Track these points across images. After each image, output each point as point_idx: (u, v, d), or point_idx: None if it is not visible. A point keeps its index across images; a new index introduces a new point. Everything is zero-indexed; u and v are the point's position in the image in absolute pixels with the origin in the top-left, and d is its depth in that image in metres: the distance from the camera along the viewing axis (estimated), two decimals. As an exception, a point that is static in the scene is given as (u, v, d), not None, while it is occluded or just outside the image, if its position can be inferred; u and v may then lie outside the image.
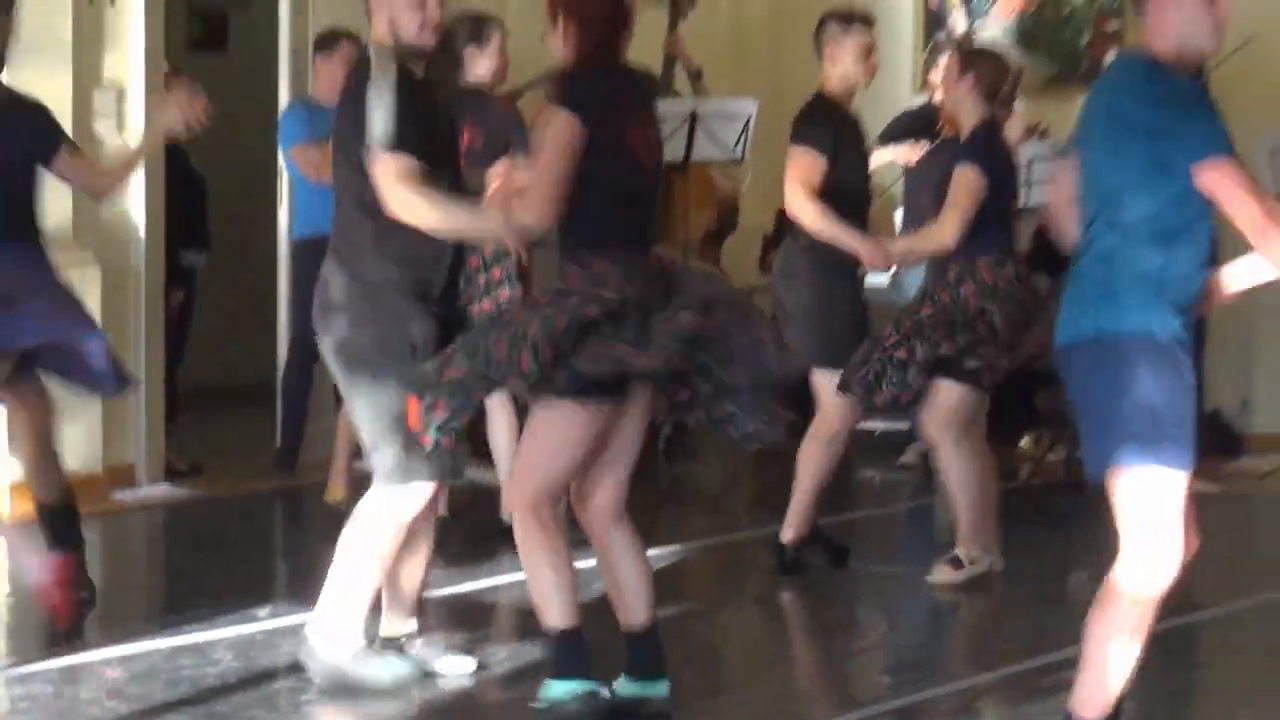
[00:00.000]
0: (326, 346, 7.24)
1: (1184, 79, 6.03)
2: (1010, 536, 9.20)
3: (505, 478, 10.01)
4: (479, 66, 9.84)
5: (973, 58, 9.25)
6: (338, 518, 10.18)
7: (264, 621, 8.33)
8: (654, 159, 6.91)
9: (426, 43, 7.17)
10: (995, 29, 13.56)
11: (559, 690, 6.72)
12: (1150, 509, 5.95)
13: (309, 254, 10.77)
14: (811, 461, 9.29)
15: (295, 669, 7.57)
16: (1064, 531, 10.43)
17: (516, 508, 6.83)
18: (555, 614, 6.77)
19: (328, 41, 11.11)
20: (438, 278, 7.19)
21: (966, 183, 8.96)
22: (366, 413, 7.23)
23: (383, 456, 7.21)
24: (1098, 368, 6.01)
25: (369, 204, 7.05)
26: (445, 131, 7.29)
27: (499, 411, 9.87)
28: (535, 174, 6.72)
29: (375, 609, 7.42)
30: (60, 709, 7.15)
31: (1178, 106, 5.93)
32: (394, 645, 7.47)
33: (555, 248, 6.76)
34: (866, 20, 9.56)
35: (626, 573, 6.86)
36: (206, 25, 15.09)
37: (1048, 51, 12.89)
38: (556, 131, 6.65)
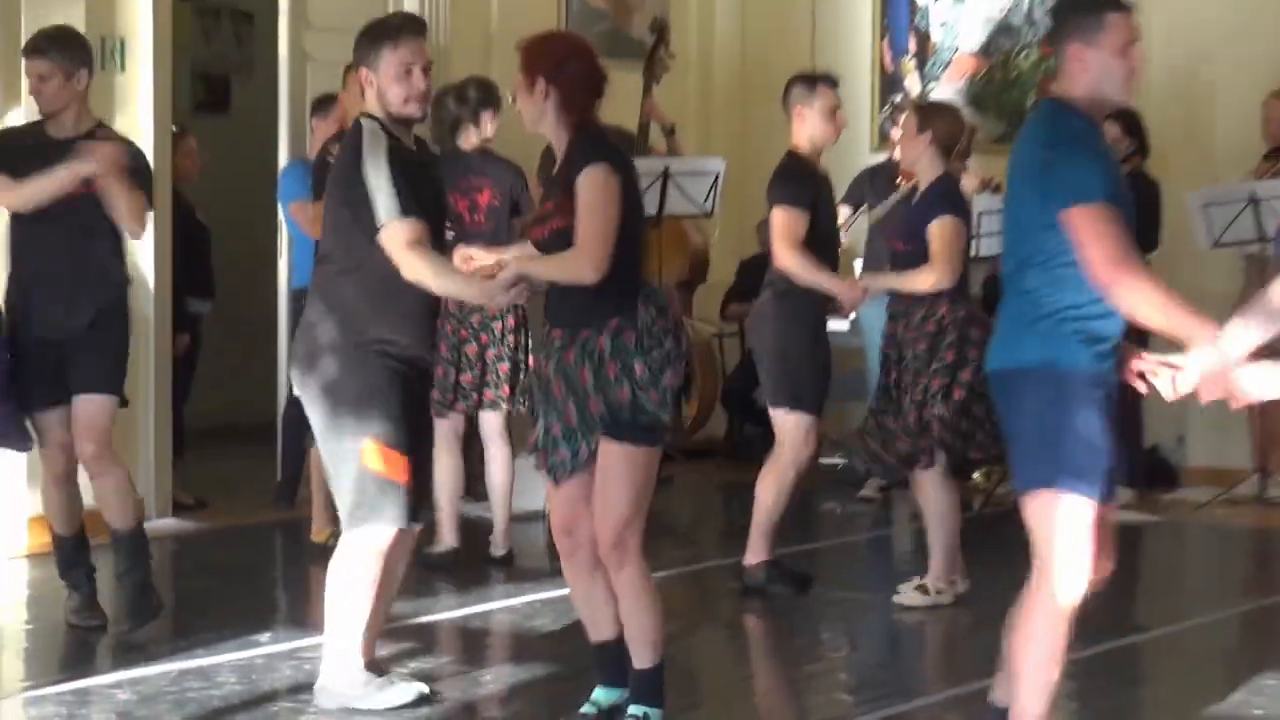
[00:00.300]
0: (311, 388, 7.24)
1: (1082, 122, 6.07)
2: (967, 563, 9.21)
3: (502, 513, 10.07)
4: (489, 129, 9.90)
5: (930, 114, 9.28)
6: (331, 549, 10.27)
7: (265, 646, 8.32)
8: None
9: (413, 114, 7.18)
10: (948, 91, 13.59)
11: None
12: (1058, 532, 5.98)
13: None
14: (769, 492, 9.34)
15: (295, 691, 7.61)
16: (1015, 558, 10.36)
17: (617, 554, 6.71)
18: (657, 650, 6.77)
19: (323, 104, 11.15)
20: (417, 332, 7.22)
21: (952, 230, 9.02)
22: (337, 456, 7.25)
23: (343, 499, 7.26)
24: (1016, 397, 6.06)
25: (358, 263, 7.10)
26: (431, 195, 7.25)
27: (496, 449, 9.93)
28: (591, 228, 6.60)
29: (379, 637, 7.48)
30: (73, 729, 7.19)
31: (1064, 147, 5.98)
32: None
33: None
34: (831, 81, 9.60)
35: (608, 590, 6.88)
36: (210, 88, 15.11)
37: (997, 112, 12.96)
38: (605, 185, 6.63)
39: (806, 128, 9.41)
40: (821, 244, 9.27)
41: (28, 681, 7.89)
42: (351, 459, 7.15)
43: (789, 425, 9.28)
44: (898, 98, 13.28)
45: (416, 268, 6.98)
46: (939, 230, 8.99)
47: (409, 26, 7.25)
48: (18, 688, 7.81)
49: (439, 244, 7.24)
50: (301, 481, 11.11)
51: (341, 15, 12.08)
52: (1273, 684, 7.80)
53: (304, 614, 9.14)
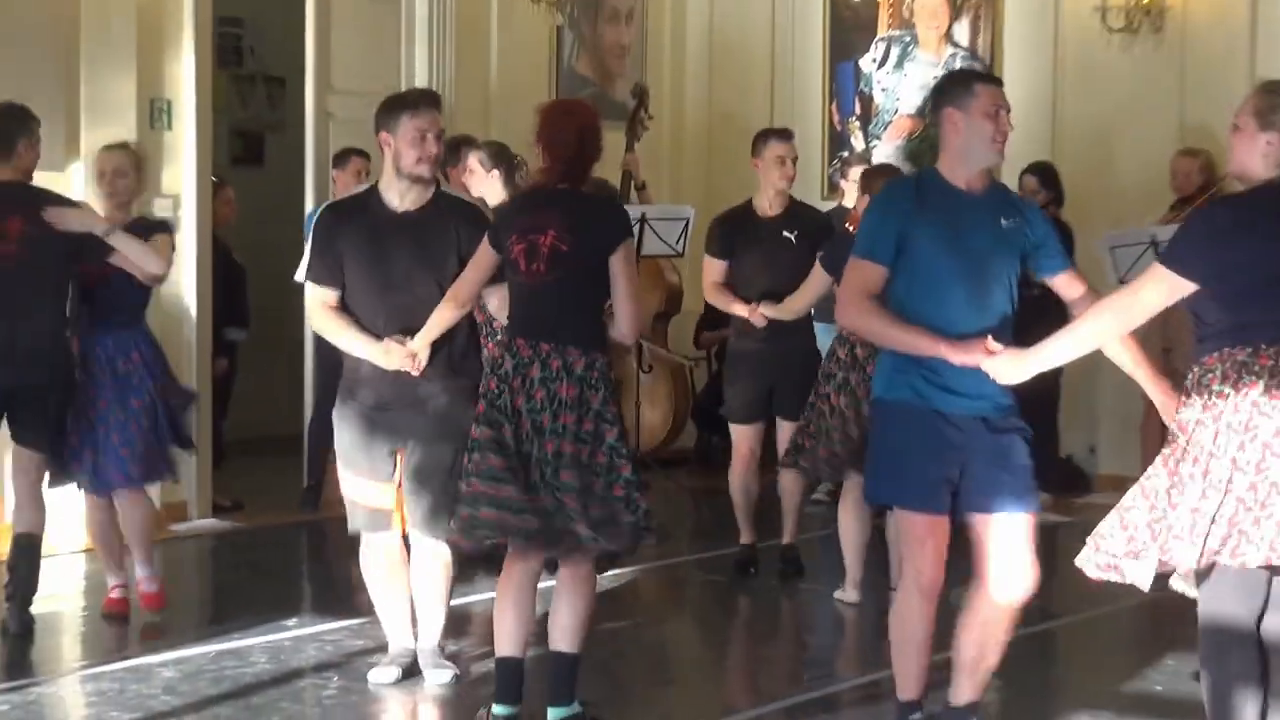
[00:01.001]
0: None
1: (916, 183, 6.24)
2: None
3: None
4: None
5: (870, 178, 9.27)
6: (352, 545, 10.22)
7: (292, 630, 8.30)
8: None
9: (423, 174, 7.13)
10: (888, 148, 13.60)
11: None
12: (903, 538, 6.11)
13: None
14: (733, 488, 9.68)
15: (319, 669, 7.62)
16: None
17: None
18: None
19: (343, 157, 11.17)
20: (376, 380, 7.16)
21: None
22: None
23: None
24: (871, 424, 6.24)
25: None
26: (410, 247, 7.09)
27: None
28: (634, 295, 6.54)
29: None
30: (125, 702, 7.12)
31: (866, 213, 6.26)
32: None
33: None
34: (781, 135, 9.78)
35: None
36: (246, 145, 15.06)
37: (930, 164, 12.91)
38: (632, 255, 6.67)
39: (761, 176, 9.57)
40: (744, 282, 9.46)
41: (85, 660, 7.88)
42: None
43: (737, 433, 9.72)
44: (845, 153, 13.25)
45: (323, 327, 7.24)
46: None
47: (426, 99, 7.29)
48: (77, 666, 7.80)
49: (385, 299, 7.11)
50: (325, 486, 11.07)
51: (360, 80, 12.12)
52: (1171, 664, 7.79)
53: (326, 602, 9.11)
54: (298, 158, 12.26)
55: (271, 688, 7.32)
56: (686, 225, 11.60)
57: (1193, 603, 5.64)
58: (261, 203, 13.40)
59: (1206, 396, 5.37)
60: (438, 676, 7.39)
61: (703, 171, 14.10)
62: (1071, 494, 11.87)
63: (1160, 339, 10.46)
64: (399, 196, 7.14)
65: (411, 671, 7.41)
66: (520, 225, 6.58)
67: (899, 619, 6.15)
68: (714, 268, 9.52)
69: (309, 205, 11.87)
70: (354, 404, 7.22)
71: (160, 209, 10.74)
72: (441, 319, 6.99)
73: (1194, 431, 5.39)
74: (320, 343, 11.05)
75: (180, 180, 10.95)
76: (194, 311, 10.97)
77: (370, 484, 7.25)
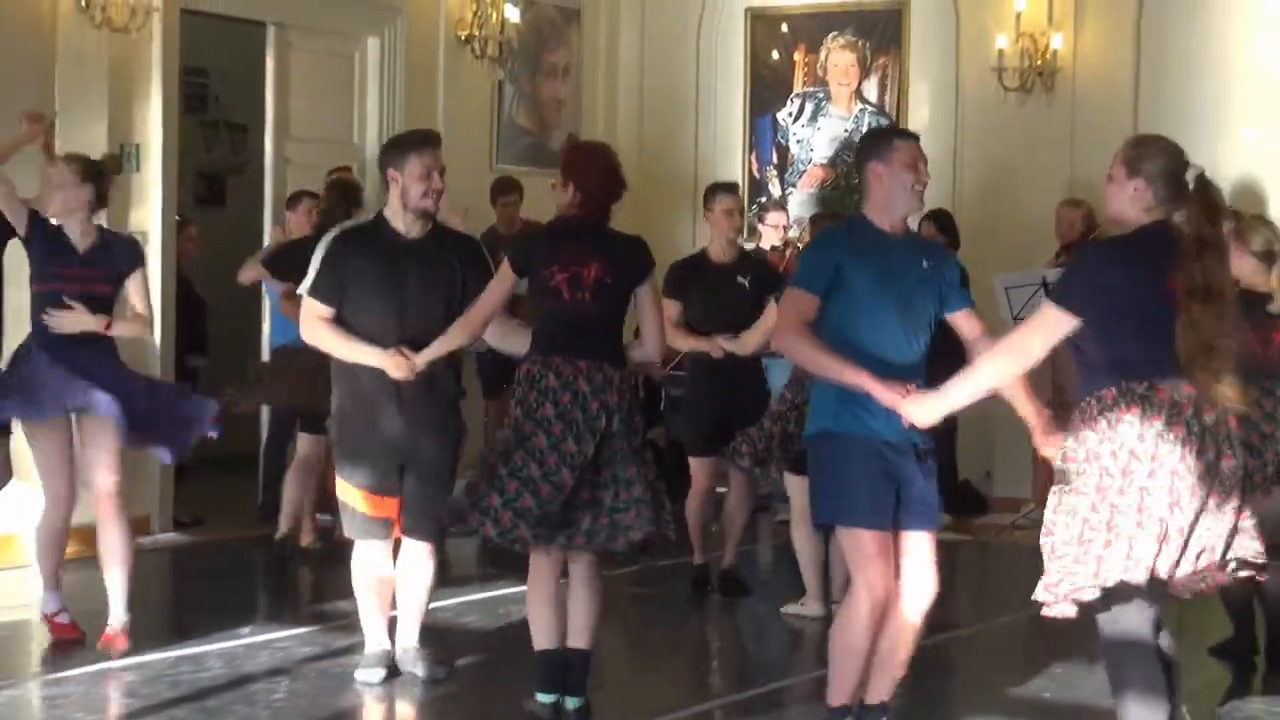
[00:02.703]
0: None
1: (848, 229, 6.23)
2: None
3: None
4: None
5: (818, 222, 9.31)
6: (305, 557, 10.14)
7: (246, 638, 8.21)
8: None
9: (429, 207, 7.20)
10: (802, 195, 13.62)
11: None
12: (854, 556, 6.06)
13: (285, 357, 10.72)
14: (690, 511, 9.47)
15: (271, 674, 7.53)
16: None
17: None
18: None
19: (294, 199, 11.11)
20: (382, 396, 7.14)
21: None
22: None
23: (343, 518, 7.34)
24: (811, 457, 6.20)
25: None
26: (420, 273, 7.15)
27: None
28: (660, 320, 6.90)
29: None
30: (88, 705, 7.06)
31: (805, 251, 6.37)
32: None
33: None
34: (731, 189, 9.84)
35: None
36: (209, 186, 14.96)
37: (841, 212, 12.91)
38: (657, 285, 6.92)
39: (712, 227, 9.60)
40: (699, 320, 9.37)
41: (49, 666, 7.75)
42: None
43: (695, 465, 9.54)
44: (763, 199, 13.24)
45: (315, 336, 7.19)
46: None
47: (431, 139, 7.32)
48: (43, 672, 7.69)
49: (398, 321, 7.13)
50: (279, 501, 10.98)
51: (316, 128, 12.13)
52: (1060, 672, 7.79)
53: (279, 612, 9.04)
54: (257, 199, 12.21)
55: (226, 691, 7.23)
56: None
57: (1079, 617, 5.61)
58: (223, 240, 13.30)
59: (1107, 427, 5.36)
60: (434, 672, 7.39)
61: (632, 215, 13.97)
62: (969, 515, 11.90)
63: (1051, 378, 10.50)
64: (406, 227, 7.20)
65: (394, 671, 7.36)
66: (561, 256, 6.67)
67: (847, 629, 6.08)
68: (670, 308, 9.24)
69: (266, 243, 11.83)
70: (357, 416, 7.18)
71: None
72: (452, 341, 7.03)
73: (1104, 460, 5.37)
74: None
75: (147, 219, 10.86)
76: (158, 339, 10.84)
77: (371, 494, 7.20)
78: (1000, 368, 5.69)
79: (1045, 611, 5.52)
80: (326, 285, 7.16)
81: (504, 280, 6.82)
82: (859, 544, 6.03)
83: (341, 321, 7.16)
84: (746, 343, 9.22)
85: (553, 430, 6.50)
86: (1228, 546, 5.39)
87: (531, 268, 6.73)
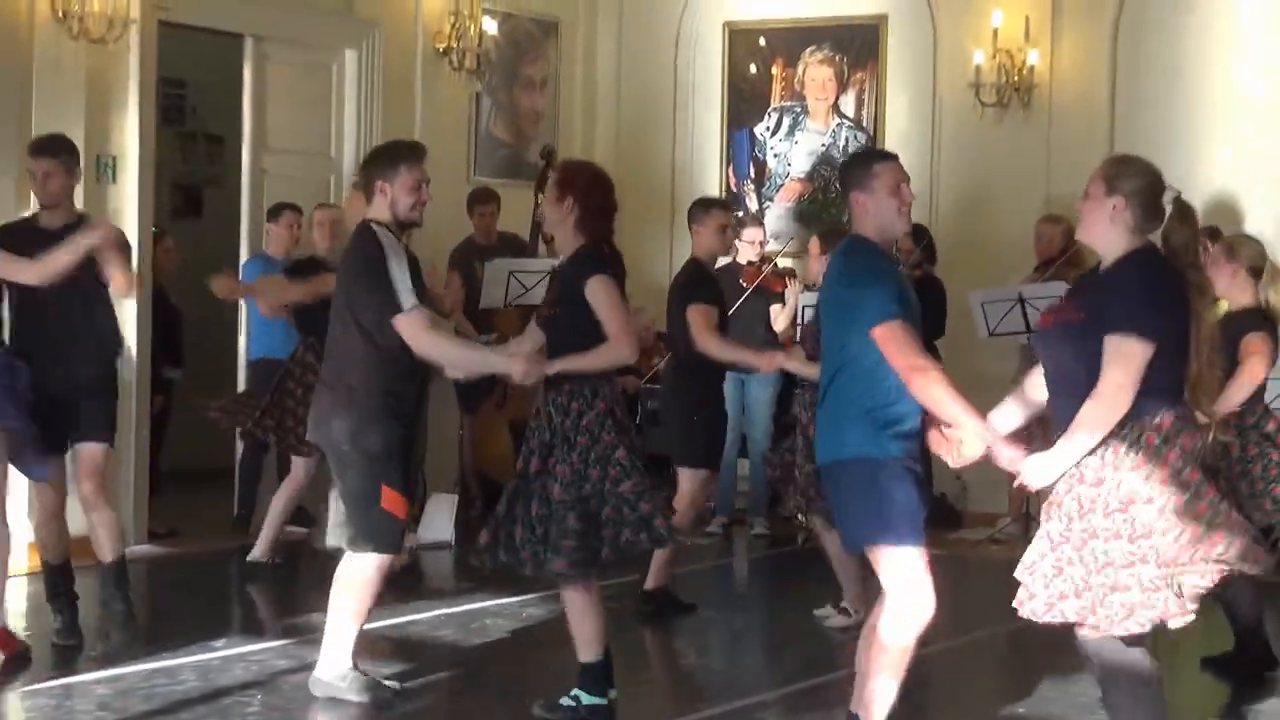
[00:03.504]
0: (337, 435, 7.17)
1: (872, 255, 6.11)
2: (795, 587, 9.15)
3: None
4: None
5: (830, 239, 9.18)
6: (278, 571, 10.11)
7: (221, 651, 8.17)
8: None
9: (416, 219, 7.23)
10: (779, 209, 13.63)
11: None
12: (904, 575, 6.01)
13: (261, 370, 10.73)
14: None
15: (245, 687, 7.51)
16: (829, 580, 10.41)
17: None
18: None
19: (276, 211, 11.08)
20: (410, 400, 7.17)
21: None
22: (350, 492, 7.23)
23: (350, 530, 7.23)
24: (839, 486, 6.11)
25: (376, 345, 7.07)
26: (421, 285, 7.22)
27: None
28: (621, 325, 6.87)
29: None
30: (60, 717, 7.02)
31: (862, 280, 6.02)
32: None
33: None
34: (724, 205, 9.87)
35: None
36: (186, 197, 14.93)
37: (818, 225, 12.90)
38: (610, 290, 6.90)
39: (702, 240, 9.38)
40: (723, 329, 9.25)
41: (24, 679, 7.68)
42: (355, 495, 7.19)
43: (685, 477, 9.24)
44: (739, 213, 13.23)
45: (439, 345, 7.15)
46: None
47: (419, 152, 7.33)
48: (16, 684, 7.60)
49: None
50: (254, 515, 10.96)
51: (293, 140, 12.10)
52: (1035, 687, 7.79)
53: (254, 624, 9.00)
54: (234, 211, 12.18)
55: (200, 704, 7.20)
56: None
57: (1055, 631, 5.62)
58: (200, 252, 13.27)
59: (1156, 461, 5.32)
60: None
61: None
62: (944, 529, 11.90)
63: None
64: (400, 238, 7.24)
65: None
66: (619, 274, 6.97)
67: (889, 660, 6.04)
68: (713, 315, 9.11)
69: (244, 255, 11.82)
70: (399, 428, 7.15)
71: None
72: (605, 359, 6.96)
73: (1146, 495, 5.33)
74: (254, 380, 11.02)
75: (124, 230, 10.79)
76: (134, 351, 10.82)
77: (405, 502, 7.23)
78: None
79: (1044, 618, 5.48)
80: (417, 295, 7.09)
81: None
82: (913, 563, 5.98)
83: (381, 335, 7.08)
84: (800, 364, 8.93)
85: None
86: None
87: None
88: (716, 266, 9.71)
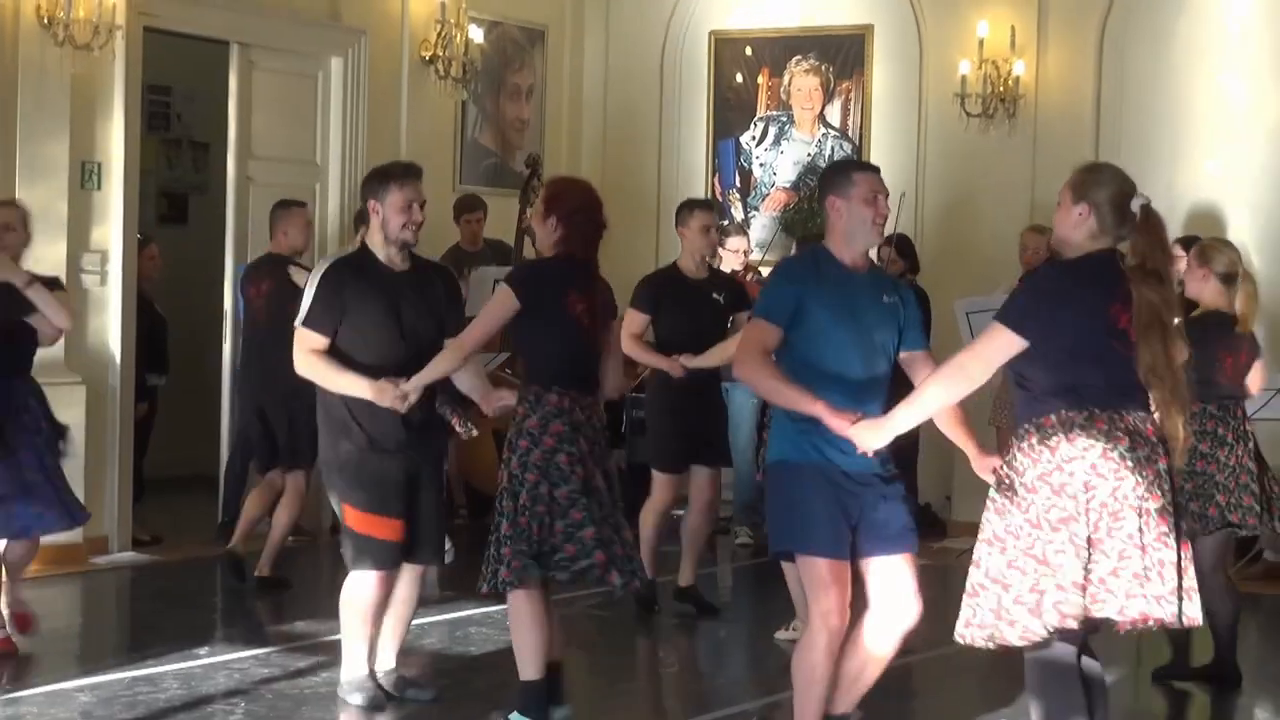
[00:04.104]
0: (323, 459, 7.28)
1: (804, 260, 6.31)
2: (778, 597, 9.14)
3: None
4: None
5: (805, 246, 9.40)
6: (265, 579, 10.07)
7: (204, 658, 8.17)
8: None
9: (408, 239, 7.21)
10: (765, 218, 13.64)
11: None
12: (810, 584, 6.05)
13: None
14: (647, 526, 9.40)
15: (228, 695, 7.51)
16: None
17: None
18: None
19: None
20: (385, 419, 7.09)
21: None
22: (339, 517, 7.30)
23: (345, 549, 7.22)
24: (766, 489, 6.25)
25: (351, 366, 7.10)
26: (386, 307, 7.14)
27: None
28: (469, 334, 6.95)
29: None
30: (42, 725, 7.00)
31: (769, 282, 6.35)
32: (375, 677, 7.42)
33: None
34: (707, 205, 9.93)
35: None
36: (172, 204, 14.91)
37: (803, 235, 12.90)
38: (496, 302, 6.95)
39: (688, 242, 9.48)
40: (670, 336, 9.33)
41: (6, 686, 7.66)
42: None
43: (658, 480, 9.45)
44: (725, 222, 13.23)
45: (311, 367, 7.08)
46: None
47: (412, 171, 7.33)
48: (-2, 691, 7.62)
49: (396, 350, 7.12)
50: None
51: (279, 148, 12.10)
52: (1018, 698, 7.75)
53: (237, 632, 8.99)
54: (219, 218, 12.15)
55: (182, 712, 7.19)
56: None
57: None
58: (185, 259, 13.28)
59: (1048, 456, 5.40)
60: (423, 694, 7.46)
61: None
62: (929, 539, 11.89)
63: (992, 413, 10.56)
64: (389, 258, 7.20)
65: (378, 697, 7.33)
66: (578, 284, 6.86)
67: (806, 662, 6.07)
68: (636, 320, 9.32)
69: (229, 262, 11.80)
70: (355, 446, 7.11)
71: (89, 264, 10.64)
72: (442, 367, 7.05)
73: (1041, 490, 5.41)
74: (243, 390, 10.98)
75: (109, 237, 10.82)
76: (118, 358, 10.84)
77: (384, 521, 7.13)
78: (947, 391, 5.72)
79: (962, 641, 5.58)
80: (324, 315, 7.10)
81: (504, 309, 6.89)
82: (816, 572, 6.01)
83: (335, 352, 7.10)
84: (708, 358, 9.17)
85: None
86: (1170, 601, 5.41)
87: (539, 298, 6.84)
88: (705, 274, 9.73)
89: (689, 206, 9.71)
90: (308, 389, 7.32)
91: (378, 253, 7.20)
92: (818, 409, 5.88)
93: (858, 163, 6.48)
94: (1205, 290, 7.98)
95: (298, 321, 7.12)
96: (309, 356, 7.11)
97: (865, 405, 5.97)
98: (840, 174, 6.30)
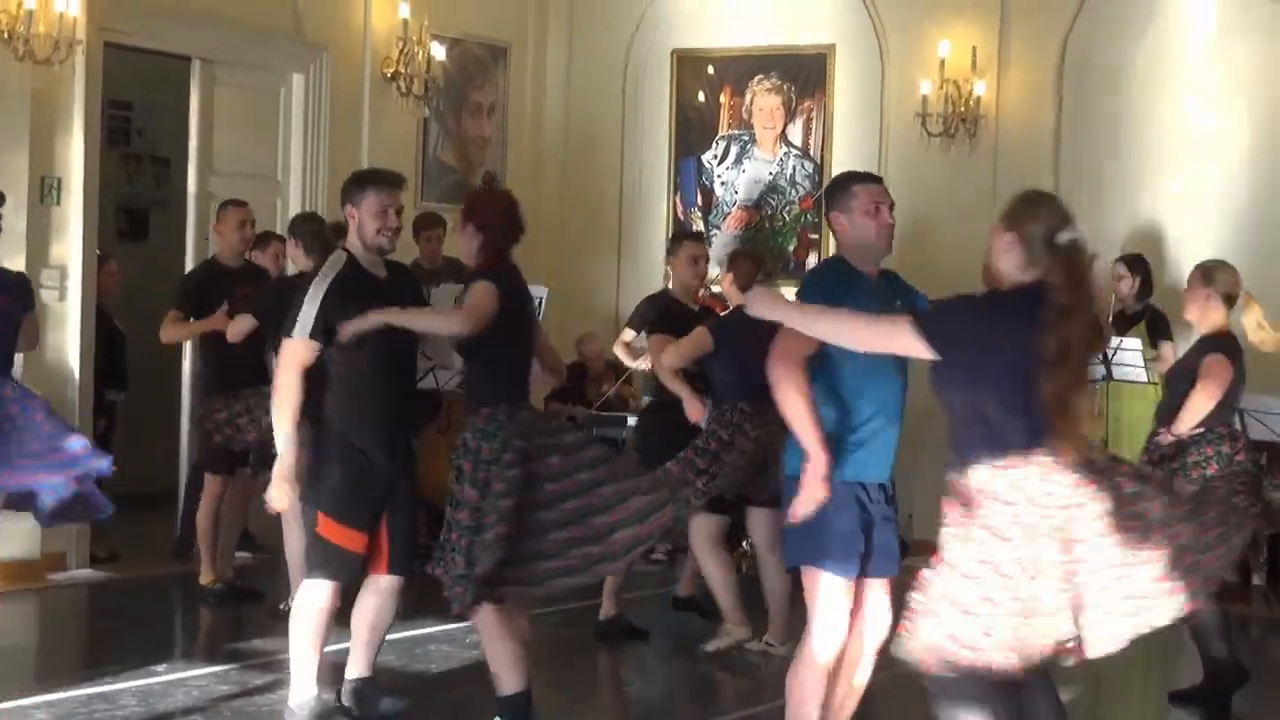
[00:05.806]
0: (305, 466, 7.19)
1: (836, 268, 6.20)
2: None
3: None
4: None
5: (736, 259, 9.39)
6: (220, 596, 10.04)
7: (162, 675, 8.13)
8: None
9: (384, 245, 7.21)
10: (726, 236, 13.67)
11: None
12: (818, 600, 6.02)
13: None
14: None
15: (186, 712, 7.46)
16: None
17: None
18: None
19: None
20: (374, 435, 7.06)
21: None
22: (306, 525, 7.22)
23: (308, 556, 7.18)
24: (784, 503, 6.08)
25: (338, 377, 7.07)
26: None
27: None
28: (461, 310, 7.03)
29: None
30: (-2, 744, 6.96)
31: (802, 294, 6.13)
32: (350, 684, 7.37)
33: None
34: (696, 236, 10.03)
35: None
36: (131, 220, 14.87)
37: (764, 253, 12.95)
38: (482, 291, 7.03)
39: (677, 274, 9.52)
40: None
41: (-39, 703, 7.65)
42: (308, 527, 7.15)
43: None
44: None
45: (287, 382, 6.94)
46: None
47: (388, 178, 7.34)
48: (-48, 708, 7.57)
49: (395, 358, 7.14)
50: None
51: (239, 163, 12.07)
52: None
53: (195, 649, 8.94)
54: (180, 233, 12.13)
55: (140, 730, 7.17)
56: (540, 303, 11.55)
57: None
58: (145, 275, 13.22)
59: (994, 496, 5.33)
60: (395, 704, 7.39)
61: (556, 254, 14.05)
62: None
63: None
64: (370, 264, 7.21)
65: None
66: (525, 294, 7.23)
67: (805, 678, 6.06)
68: (667, 342, 9.14)
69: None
70: (349, 450, 7.05)
71: (48, 279, 10.59)
72: (438, 324, 7.25)
73: (995, 532, 5.38)
74: (204, 400, 10.94)
75: (68, 253, 10.78)
76: (77, 373, 10.79)
77: (357, 533, 7.07)
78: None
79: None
80: (322, 326, 7.00)
81: (489, 308, 7.02)
82: (827, 590, 6.00)
83: (329, 361, 7.06)
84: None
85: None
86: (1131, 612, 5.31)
87: (519, 303, 7.10)
88: (650, 295, 9.78)
89: (677, 238, 9.93)
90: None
91: (360, 259, 7.18)
92: (815, 453, 5.81)
93: (858, 175, 6.36)
94: (1207, 311, 8.03)
95: (290, 332, 6.99)
96: (296, 371, 6.93)
97: (891, 410, 6.03)
98: (840, 189, 6.25)
